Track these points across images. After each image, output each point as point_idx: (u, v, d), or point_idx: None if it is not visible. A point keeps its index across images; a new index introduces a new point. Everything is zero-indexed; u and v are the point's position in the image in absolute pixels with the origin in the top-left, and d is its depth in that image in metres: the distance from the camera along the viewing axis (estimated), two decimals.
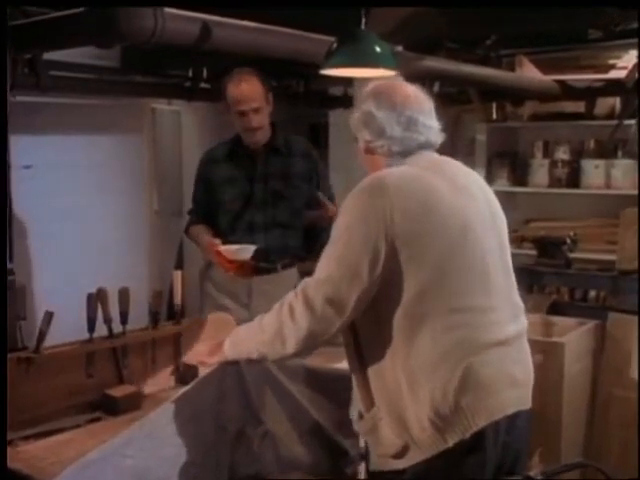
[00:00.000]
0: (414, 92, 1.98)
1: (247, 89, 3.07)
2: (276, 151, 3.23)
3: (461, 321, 1.78)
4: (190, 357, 2.27)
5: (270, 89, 3.16)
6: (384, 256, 1.75)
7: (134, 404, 2.36)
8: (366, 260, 1.75)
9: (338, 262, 1.79)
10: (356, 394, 1.90)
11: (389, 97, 1.95)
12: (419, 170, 1.88)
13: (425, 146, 1.95)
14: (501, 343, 1.82)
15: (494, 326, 1.83)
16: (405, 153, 1.93)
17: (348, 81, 3.76)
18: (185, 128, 5.51)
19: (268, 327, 1.87)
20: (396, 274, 1.76)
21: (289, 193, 3.22)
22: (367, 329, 1.84)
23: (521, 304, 1.98)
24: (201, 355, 2.12)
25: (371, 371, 1.84)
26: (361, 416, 1.89)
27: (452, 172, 1.95)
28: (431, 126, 1.96)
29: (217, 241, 3.03)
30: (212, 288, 3.27)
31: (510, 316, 1.90)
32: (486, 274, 1.84)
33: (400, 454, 1.79)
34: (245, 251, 2.99)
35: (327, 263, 1.81)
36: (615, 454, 3.49)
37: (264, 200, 3.20)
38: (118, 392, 2.37)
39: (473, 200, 1.90)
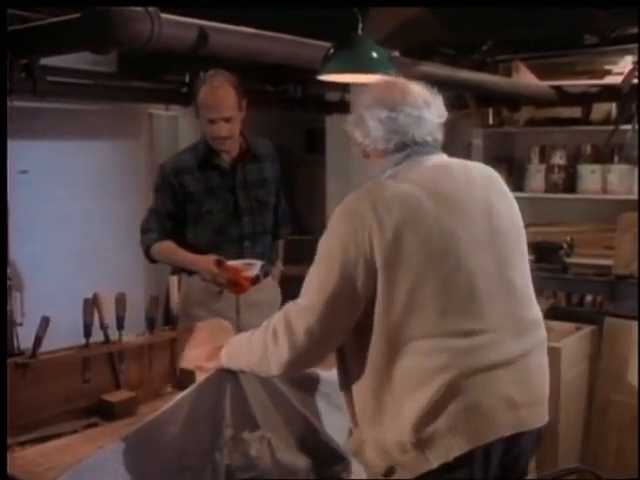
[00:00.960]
0: (413, 88, 1.86)
1: (220, 96, 2.91)
2: (252, 158, 3.13)
3: (444, 346, 1.71)
4: (188, 362, 2.26)
5: (244, 95, 3.00)
6: (363, 284, 1.71)
7: (130, 409, 2.35)
8: (347, 289, 1.72)
9: (319, 290, 1.75)
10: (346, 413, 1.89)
11: (380, 95, 1.85)
12: (408, 186, 1.77)
13: (418, 144, 1.84)
14: (496, 366, 1.75)
15: (485, 349, 1.75)
16: (395, 152, 1.83)
17: (345, 86, 3.76)
18: (182, 133, 5.49)
19: (256, 347, 1.88)
20: (374, 301, 1.72)
21: (269, 199, 3.17)
22: (352, 351, 1.82)
23: (535, 317, 1.89)
24: (199, 360, 2.12)
25: (355, 392, 1.82)
26: (350, 434, 1.88)
27: (450, 185, 1.82)
28: (425, 120, 1.84)
29: (215, 257, 2.87)
30: (191, 306, 3.04)
31: (512, 336, 1.80)
32: (473, 297, 1.75)
33: (387, 474, 1.77)
34: (254, 267, 2.89)
35: (310, 288, 1.79)
36: (612, 459, 3.49)
37: (250, 209, 3.10)
38: (114, 397, 2.36)
39: (466, 217, 1.79)
